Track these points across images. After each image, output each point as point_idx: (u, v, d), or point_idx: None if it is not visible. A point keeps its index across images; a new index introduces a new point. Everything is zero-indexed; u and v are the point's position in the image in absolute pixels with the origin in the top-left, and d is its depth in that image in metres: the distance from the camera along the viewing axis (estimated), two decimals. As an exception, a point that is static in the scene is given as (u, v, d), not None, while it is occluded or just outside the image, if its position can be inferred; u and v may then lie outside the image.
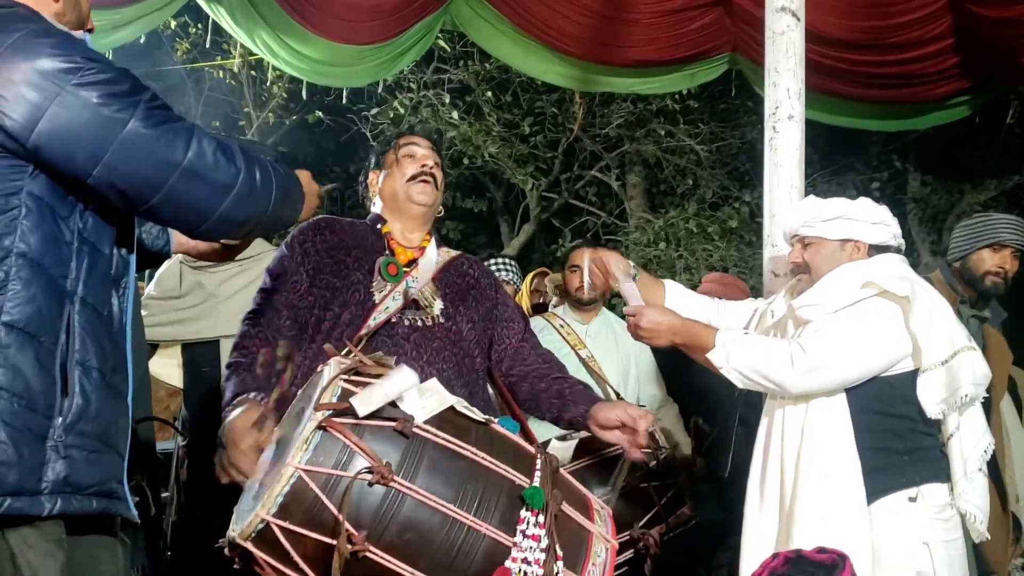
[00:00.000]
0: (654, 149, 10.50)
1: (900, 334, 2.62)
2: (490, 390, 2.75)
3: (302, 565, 1.77)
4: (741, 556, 2.78)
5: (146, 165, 1.75)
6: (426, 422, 1.85)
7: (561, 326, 4.31)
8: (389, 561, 1.75)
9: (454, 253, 2.76)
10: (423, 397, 1.88)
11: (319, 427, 1.77)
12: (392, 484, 1.75)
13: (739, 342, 2.67)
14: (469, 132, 9.92)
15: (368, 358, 1.97)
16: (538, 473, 1.92)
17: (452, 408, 1.92)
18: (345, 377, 1.88)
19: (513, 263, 5.41)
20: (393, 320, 2.49)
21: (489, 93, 10.09)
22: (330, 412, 1.78)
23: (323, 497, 1.74)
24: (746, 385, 2.68)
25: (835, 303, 2.66)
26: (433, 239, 2.72)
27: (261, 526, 1.76)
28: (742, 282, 5.09)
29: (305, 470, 1.74)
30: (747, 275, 9.59)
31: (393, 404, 1.84)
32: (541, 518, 1.84)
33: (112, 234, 1.89)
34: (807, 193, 3.39)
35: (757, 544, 2.73)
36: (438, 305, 2.58)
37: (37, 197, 1.73)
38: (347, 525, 1.72)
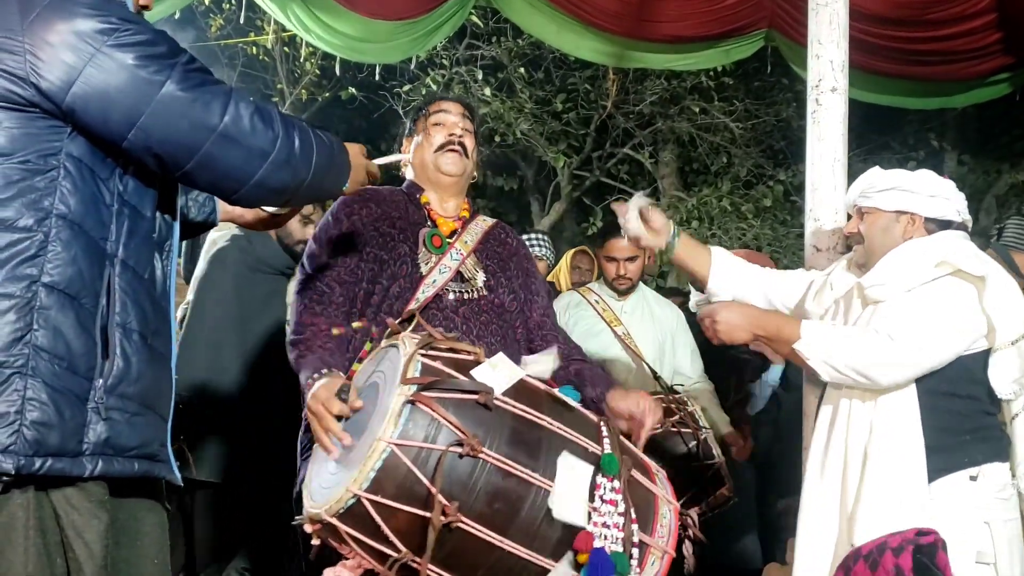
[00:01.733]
0: (688, 126, 10.43)
1: (977, 315, 2.55)
2: None
3: (392, 538, 1.79)
4: (798, 541, 2.72)
5: (182, 128, 1.74)
6: (503, 394, 1.88)
7: (596, 302, 4.26)
8: (480, 531, 1.79)
9: (490, 221, 2.73)
10: (495, 370, 1.91)
11: (408, 401, 1.79)
12: (481, 455, 1.79)
13: (827, 335, 2.60)
14: (501, 109, 9.87)
15: (435, 332, 1.98)
16: (607, 440, 1.97)
17: (522, 380, 1.95)
18: (423, 352, 1.89)
19: (546, 239, 5.39)
20: (440, 293, 2.48)
21: (522, 70, 10.04)
22: (417, 387, 1.81)
23: (415, 470, 1.76)
24: (834, 379, 2.60)
25: (907, 282, 2.59)
26: (472, 208, 2.70)
27: (352, 501, 1.78)
28: (767, 258, 5.00)
29: (397, 444, 1.76)
30: (781, 254, 9.53)
31: (470, 378, 1.87)
32: (616, 483, 1.89)
33: (154, 197, 1.88)
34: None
35: (816, 527, 2.68)
36: (481, 277, 2.57)
37: (76, 159, 1.73)
38: (440, 497, 1.74)
